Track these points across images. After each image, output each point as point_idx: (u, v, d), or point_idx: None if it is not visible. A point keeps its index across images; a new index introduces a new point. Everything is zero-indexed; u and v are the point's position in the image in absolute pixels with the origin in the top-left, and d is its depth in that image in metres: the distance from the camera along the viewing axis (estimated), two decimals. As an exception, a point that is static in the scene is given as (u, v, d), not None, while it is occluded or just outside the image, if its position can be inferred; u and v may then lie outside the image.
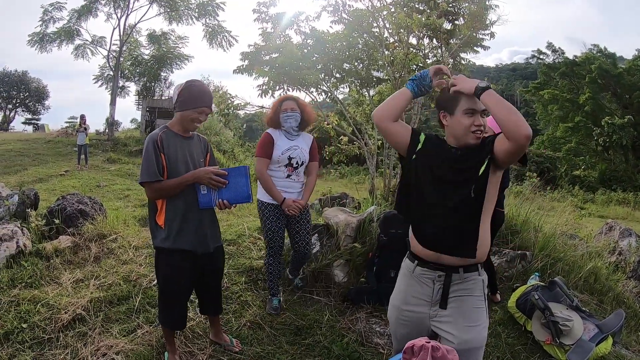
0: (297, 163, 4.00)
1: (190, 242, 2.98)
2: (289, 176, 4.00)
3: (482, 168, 2.14)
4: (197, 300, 3.56)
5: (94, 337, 3.55)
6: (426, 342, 1.78)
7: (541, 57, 43.43)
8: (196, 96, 2.89)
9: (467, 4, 7.71)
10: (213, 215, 3.20)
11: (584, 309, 3.99)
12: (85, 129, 15.60)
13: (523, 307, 4.08)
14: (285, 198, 3.92)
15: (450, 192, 2.20)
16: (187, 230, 2.97)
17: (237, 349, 3.50)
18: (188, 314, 3.65)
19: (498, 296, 4.62)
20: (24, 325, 3.65)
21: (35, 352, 3.39)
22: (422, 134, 2.36)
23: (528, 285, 4.31)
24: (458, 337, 2.17)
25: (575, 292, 4.67)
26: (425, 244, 2.28)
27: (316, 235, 4.89)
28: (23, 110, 50.12)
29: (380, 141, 7.76)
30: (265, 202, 4.01)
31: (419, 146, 2.33)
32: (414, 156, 2.33)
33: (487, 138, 2.22)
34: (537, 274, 4.90)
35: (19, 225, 5.09)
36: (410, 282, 2.37)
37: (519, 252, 5.18)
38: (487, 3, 7.50)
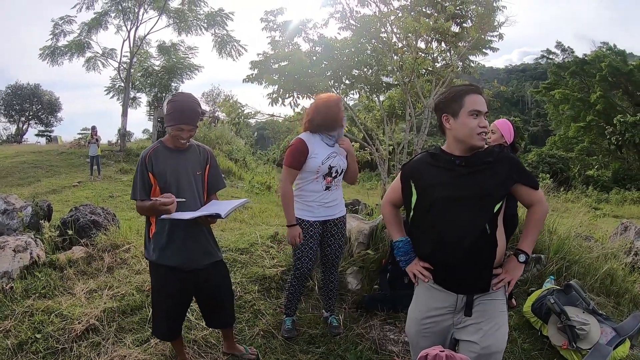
0: (336, 172, 3.57)
1: (175, 258, 2.97)
2: (327, 188, 3.58)
3: (497, 206, 2.16)
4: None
5: (108, 347, 3.56)
6: (440, 350, 1.75)
7: (550, 57, 43.44)
8: (173, 114, 2.85)
9: (474, 6, 7.68)
10: (204, 232, 3.11)
11: (600, 312, 3.92)
12: (97, 140, 15.71)
13: (539, 312, 4.01)
14: (295, 225, 3.51)
15: (461, 211, 2.18)
16: (172, 246, 2.97)
17: (253, 356, 3.49)
18: (202, 324, 3.65)
19: (514, 301, 4.57)
20: (38, 336, 3.68)
21: (49, 362, 3.40)
22: (410, 181, 2.35)
23: (543, 289, 4.26)
24: (482, 342, 2.15)
25: (591, 295, 4.60)
26: (441, 282, 2.30)
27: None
28: (36, 123, 50.49)
29: (392, 147, 7.74)
30: (301, 219, 3.60)
31: (414, 198, 2.33)
32: (411, 213, 2.35)
33: (495, 153, 2.22)
34: (552, 277, 4.83)
35: (33, 236, 5.12)
36: (430, 293, 2.34)
37: (534, 255, 5.09)
38: (494, 4, 7.47)
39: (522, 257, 2.23)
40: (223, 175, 3.41)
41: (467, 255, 2.16)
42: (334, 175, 3.56)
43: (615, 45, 38.26)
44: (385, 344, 3.79)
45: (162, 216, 2.81)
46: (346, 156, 3.65)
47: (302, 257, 3.63)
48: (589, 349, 3.59)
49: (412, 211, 2.33)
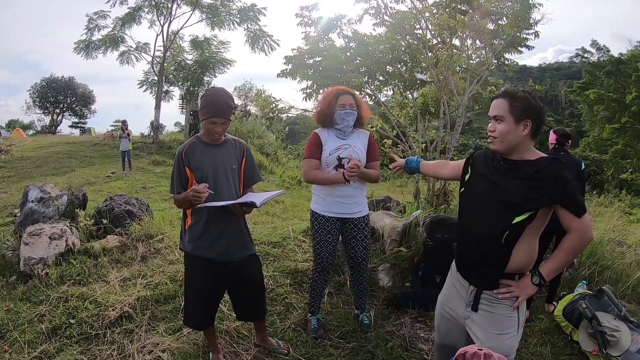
0: (348, 162, 3.41)
1: (209, 250, 2.99)
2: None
3: (519, 218, 2.10)
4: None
5: (140, 335, 3.61)
6: (478, 349, 1.74)
7: (585, 55, 42.44)
8: (206, 107, 2.85)
9: (510, 3, 7.52)
10: (240, 225, 3.12)
11: (632, 319, 3.81)
12: (128, 134, 15.46)
13: (570, 316, 3.96)
14: (344, 169, 3.35)
15: (487, 209, 2.20)
16: (207, 239, 2.98)
17: (286, 352, 3.49)
18: (235, 315, 3.66)
19: (551, 306, 4.48)
20: (72, 321, 3.76)
21: (82, 347, 3.48)
22: (471, 161, 2.42)
23: (575, 294, 4.20)
24: (483, 343, 2.13)
25: (622, 302, 4.50)
26: (459, 269, 2.40)
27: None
28: (70, 115, 51.72)
29: (424, 144, 7.67)
30: (317, 213, 3.60)
31: (467, 176, 2.39)
32: (462, 189, 2.41)
33: (541, 166, 2.11)
34: (584, 282, 4.76)
35: (68, 224, 5.23)
36: (452, 281, 2.45)
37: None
38: (530, 2, 7.31)
39: (535, 279, 2.16)
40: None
41: (479, 249, 2.22)
42: (345, 166, 3.43)
43: (651, 44, 37.33)
44: (415, 342, 3.76)
45: (197, 205, 2.82)
46: (367, 150, 3.61)
47: (321, 251, 3.60)
48: (619, 356, 3.49)
49: (463, 187, 2.39)
